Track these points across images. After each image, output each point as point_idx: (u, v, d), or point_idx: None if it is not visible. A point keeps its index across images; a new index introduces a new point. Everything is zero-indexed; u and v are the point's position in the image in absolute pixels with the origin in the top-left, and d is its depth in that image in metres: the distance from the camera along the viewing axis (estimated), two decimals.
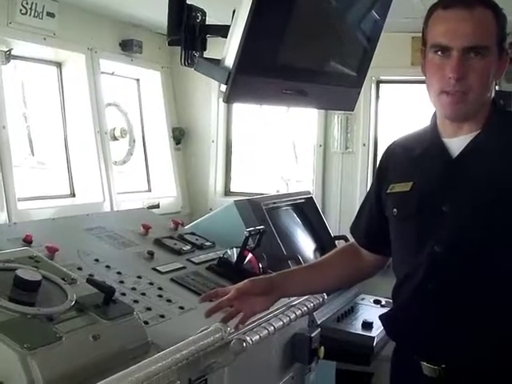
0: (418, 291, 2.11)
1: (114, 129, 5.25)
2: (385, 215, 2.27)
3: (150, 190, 5.68)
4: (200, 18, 2.75)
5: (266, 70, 2.50)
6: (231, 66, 2.38)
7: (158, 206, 5.27)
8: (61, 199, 4.68)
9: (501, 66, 2.07)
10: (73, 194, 4.77)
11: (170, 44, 2.78)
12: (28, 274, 1.87)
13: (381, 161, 2.41)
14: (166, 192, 5.66)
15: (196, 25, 2.71)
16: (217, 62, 2.49)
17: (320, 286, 2.51)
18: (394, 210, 2.21)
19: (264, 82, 2.54)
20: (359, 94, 3.10)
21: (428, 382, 2.10)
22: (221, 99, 5.71)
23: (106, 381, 1.59)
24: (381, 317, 2.36)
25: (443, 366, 2.06)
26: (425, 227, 2.10)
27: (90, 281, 2.02)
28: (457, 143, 2.10)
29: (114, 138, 5.24)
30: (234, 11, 2.52)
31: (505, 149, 2.03)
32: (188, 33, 2.69)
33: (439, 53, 2.02)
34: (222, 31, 2.62)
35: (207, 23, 2.77)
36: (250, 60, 2.39)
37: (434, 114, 2.19)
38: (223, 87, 2.44)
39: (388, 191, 2.24)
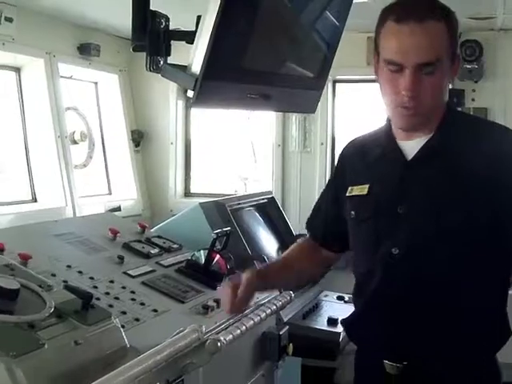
0: (376, 294, 2.14)
1: (74, 132, 5.25)
2: (343, 217, 2.29)
3: (110, 193, 5.70)
4: (164, 23, 2.79)
5: (231, 75, 2.56)
6: (198, 72, 2.42)
7: (119, 209, 5.28)
8: (22, 205, 4.67)
9: (453, 70, 2.08)
10: (34, 200, 4.76)
11: (134, 50, 2.80)
12: (6, 282, 1.89)
13: (337, 163, 2.43)
14: (127, 195, 5.69)
15: (160, 30, 2.75)
16: (183, 68, 2.53)
17: (291, 281, 2.59)
18: (352, 212, 2.23)
19: (230, 87, 2.59)
20: (320, 96, 3.18)
21: (391, 378, 2.14)
22: (179, 101, 5.76)
23: None
24: (342, 322, 2.43)
25: (405, 363, 2.10)
26: (381, 230, 2.13)
27: (68, 287, 2.05)
28: (411, 145, 2.12)
29: (74, 142, 5.25)
30: (197, 17, 2.56)
31: (457, 150, 2.06)
32: (152, 38, 2.72)
33: (392, 68, 2.01)
34: (187, 37, 2.67)
35: (170, 29, 2.81)
36: (216, 65, 2.44)
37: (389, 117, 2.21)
38: (190, 93, 2.49)
39: (347, 194, 2.25)
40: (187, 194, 5.98)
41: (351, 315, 2.34)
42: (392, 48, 2.01)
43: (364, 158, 2.26)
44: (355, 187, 2.23)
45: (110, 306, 2.30)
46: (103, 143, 5.67)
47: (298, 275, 2.55)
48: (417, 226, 2.06)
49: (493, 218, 2.02)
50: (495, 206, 2.01)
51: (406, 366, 2.11)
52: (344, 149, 2.43)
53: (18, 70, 4.71)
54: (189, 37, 2.63)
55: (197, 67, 2.44)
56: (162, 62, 2.73)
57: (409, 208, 2.07)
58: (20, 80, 4.73)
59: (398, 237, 2.08)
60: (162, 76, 2.61)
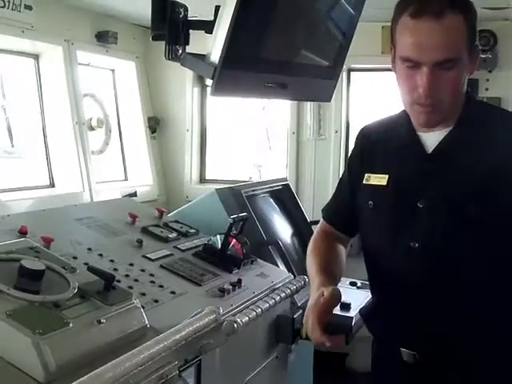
0: (396, 286, 2.15)
1: (91, 119, 5.33)
2: (356, 204, 2.28)
3: (126, 179, 5.77)
4: (182, 13, 2.85)
5: (249, 65, 2.62)
6: (217, 61, 2.48)
7: (135, 195, 5.35)
8: (40, 190, 4.75)
9: (472, 62, 2.02)
10: (52, 185, 4.85)
11: (153, 39, 2.85)
12: (32, 263, 1.97)
13: (354, 149, 2.39)
14: (143, 181, 5.76)
15: (179, 20, 2.80)
16: (202, 57, 2.59)
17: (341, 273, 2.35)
18: (370, 202, 2.20)
19: (247, 76, 2.65)
20: (336, 85, 3.23)
21: (407, 367, 2.17)
22: (195, 88, 5.83)
23: (116, 361, 1.70)
24: (361, 312, 2.46)
25: (422, 351, 2.13)
26: (401, 223, 2.11)
27: (91, 268, 2.12)
28: (432, 138, 2.10)
29: (91, 128, 5.33)
30: (216, 7, 2.62)
31: (478, 142, 2.04)
32: (171, 28, 2.78)
33: (409, 64, 1.97)
34: (206, 26, 2.72)
35: (189, 18, 2.87)
36: (234, 55, 2.50)
37: None
38: (209, 81, 2.55)
39: (364, 182, 2.22)
40: (202, 180, 6.05)
41: (369, 306, 2.40)
42: (408, 45, 1.96)
43: (382, 147, 2.23)
44: (372, 175, 2.20)
45: (130, 287, 2.36)
46: (120, 130, 5.74)
47: (343, 263, 2.39)
48: (437, 221, 2.06)
49: None
50: None
51: (422, 354, 2.13)
52: (360, 133, 2.40)
53: (36, 57, 4.79)
54: (207, 26, 2.68)
55: (216, 56, 2.50)
56: (180, 51, 2.79)
57: (429, 202, 2.06)
58: (38, 67, 4.80)
59: (417, 231, 2.08)
60: (182, 65, 2.66)
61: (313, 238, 2.47)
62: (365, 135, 2.37)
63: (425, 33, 1.92)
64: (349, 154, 2.48)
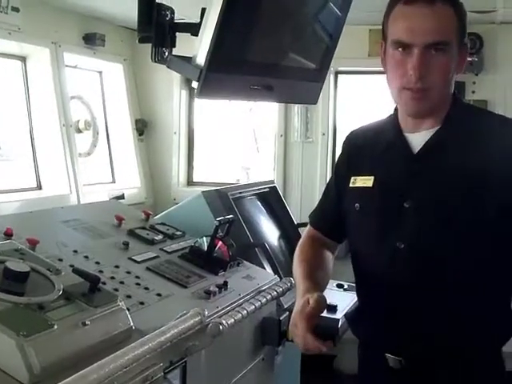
0: (383, 287, 2.14)
1: (78, 121, 5.33)
2: (343, 207, 2.28)
3: (114, 182, 5.77)
4: (169, 15, 2.85)
5: (235, 67, 2.61)
6: (203, 64, 2.48)
7: (122, 197, 5.33)
8: (28, 192, 4.75)
9: (461, 60, 2.07)
10: (39, 187, 4.84)
11: (140, 41, 2.86)
12: (16, 265, 1.96)
13: (341, 154, 2.40)
14: (130, 183, 5.77)
15: (165, 22, 2.80)
16: (188, 60, 2.59)
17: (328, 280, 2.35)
18: (357, 205, 2.20)
19: (233, 79, 2.65)
20: (322, 87, 3.23)
21: (393, 373, 2.16)
22: (183, 91, 5.84)
23: (100, 362, 1.70)
24: (346, 315, 2.46)
25: (407, 357, 2.12)
26: (387, 224, 2.12)
27: (76, 270, 2.12)
28: (418, 138, 2.11)
29: (78, 131, 5.33)
30: (202, 9, 2.62)
31: (465, 143, 2.05)
32: (158, 30, 2.78)
33: (400, 49, 2.01)
34: (192, 29, 2.72)
35: (175, 21, 2.87)
36: (220, 57, 2.50)
37: (396, 108, 2.19)
38: (195, 84, 2.55)
39: (350, 185, 2.23)
40: (190, 182, 6.06)
41: (354, 309, 2.39)
42: (401, 29, 2.01)
43: (369, 150, 2.24)
44: (358, 178, 2.21)
45: (116, 289, 2.36)
46: (107, 132, 5.75)
47: (330, 270, 2.39)
48: (422, 221, 2.06)
49: (500, 212, 2.00)
50: (501, 200, 2.00)
51: (408, 360, 2.12)
52: (347, 138, 2.41)
53: (23, 59, 4.78)
54: (193, 29, 2.69)
55: (201, 59, 2.50)
56: (167, 54, 2.80)
57: (415, 203, 2.07)
58: (26, 69, 4.80)
59: (403, 231, 2.08)
60: (168, 67, 2.67)
61: (300, 243, 2.47)
62: (352, 140, 2.38)
63: (417, 17, 1.99)
64: (336, 157, 2.49)
